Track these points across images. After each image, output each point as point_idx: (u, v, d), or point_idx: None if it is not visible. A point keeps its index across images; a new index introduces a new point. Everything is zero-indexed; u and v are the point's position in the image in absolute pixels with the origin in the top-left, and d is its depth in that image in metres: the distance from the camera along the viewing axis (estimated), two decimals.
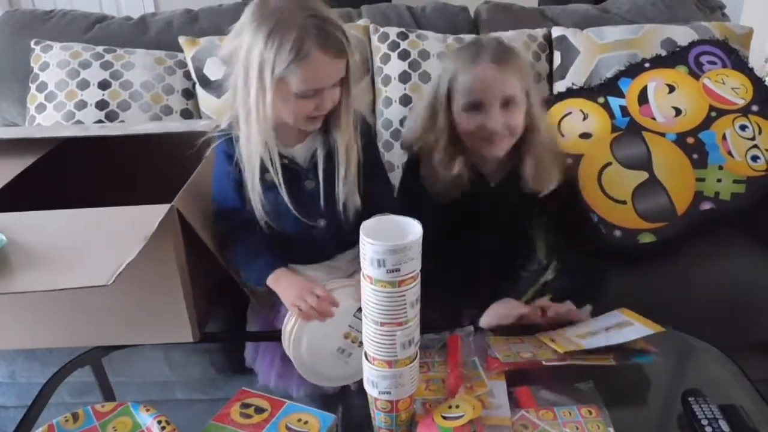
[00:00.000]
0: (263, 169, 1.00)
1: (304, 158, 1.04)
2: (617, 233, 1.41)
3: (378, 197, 1.07)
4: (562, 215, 1.20)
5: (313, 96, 0.95)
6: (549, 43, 1.74)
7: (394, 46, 1.67)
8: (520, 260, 1.24)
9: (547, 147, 1.14)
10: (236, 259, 1.08)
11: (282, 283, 1.01)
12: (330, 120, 1.02)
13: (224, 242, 1.09)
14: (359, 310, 0.85)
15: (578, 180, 1.40)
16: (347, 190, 1.03)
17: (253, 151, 0.99)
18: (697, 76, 1.56)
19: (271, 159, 0.99)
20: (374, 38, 1.68)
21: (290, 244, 1.08)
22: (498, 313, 1.09)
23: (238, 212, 1.05)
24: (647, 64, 1.61)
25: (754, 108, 1.51)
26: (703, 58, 1.59)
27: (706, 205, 1.43)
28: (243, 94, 0.96)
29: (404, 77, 1.64)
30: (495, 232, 1.17)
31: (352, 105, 1.01)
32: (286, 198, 1.01)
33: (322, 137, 1.03)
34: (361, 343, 0.83)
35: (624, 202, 1.44)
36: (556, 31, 1.73)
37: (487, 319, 1.09)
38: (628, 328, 0.99)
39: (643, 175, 1.46)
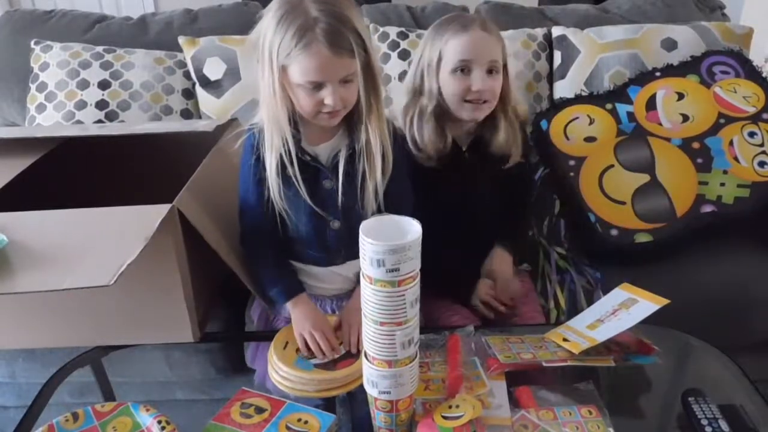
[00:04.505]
0: (284, 163, 1.00)
1: (327, 157, 1.04)
2: (614, 232, 1.42)
3: (397, 198, 1.07)
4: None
5: (315, 90, 0.94)
6: (549, 42, 1.74)
7: (394, 45, 1.67)
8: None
9: (514, 120, 1.22)
10: (258, 269, 1.10)
11: (299, 309, 1.05)
12: (356, 121, 1.02)
13: (243, 241, 1.11)
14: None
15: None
16: (367, 195, 1.02)
17: (272, 141, 0.99)
18: (708, 85, 1.56)
19: (289, 151, 0.99)
20: (374, 38, 1.68)
21: (303, 243, 1.09)
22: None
23: (258, 209, 1.05)
24: (658, 73, 1.61)
25: (765, 116, 1.51)
26: (716, 68, 1.59)
27: (707, 208, 1.43)
28: (260, 80, 0.97)
29: (404, 77, 1.64)
30: (473, 198, 1.25)
31: (380, 107, 1.01)
32: (303, 192, 1.01)
33: (348, 139, 1.03)
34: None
35: (623, 203, 1.44)
36: (557, 31, 1.73)
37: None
38: (634, 306, 0.99)
39: (644, 178, 1.46)
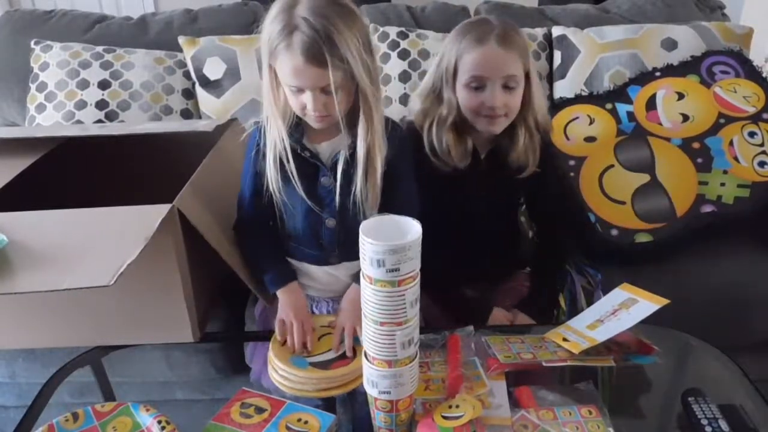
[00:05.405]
0: (284, 159, 1.02)
1: (328, 156, 1.05)
2: (614, 232, 1.42)
3: (399, 202, 1.06)
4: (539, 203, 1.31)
5: (298, 92, 0.96)
6: (549, 42, 1.74)
7: (394, 45, 1.67)
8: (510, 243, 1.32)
9: (534, 131, 1.19)
10: (252, 255, 1.12)
11: (287, 296, 1.07)
12: (351, 125, 1.02)
13: (238, 229, 1.13)
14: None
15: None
16: (362, 197, 1.02)
17: (271, 135, 1.01)
18: (708, 85, 1.56)
19: (285, 146, 1.00)
20: (374, 38, 1.68)
21: (299, 240, 1.09)
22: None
23: (256, 200, 1.08)
24: (658, 73, 1.61)
25: (765, 116, 1.51)
26: (716, 68, 1.59)
27: (707, 208, 1.43)
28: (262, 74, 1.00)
29: (404, 77, 1.64)
30: (484, 203, 1.23)
31: (375, 113, 0.99)
32: (298, 187, 1.02)
33: (350, 140, 1.03)
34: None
35: (623, 203, 1.44)
36: (557, 31, 1.73)
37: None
38: (634, 306, 0.99)
39: (644, 178, 1.46)
